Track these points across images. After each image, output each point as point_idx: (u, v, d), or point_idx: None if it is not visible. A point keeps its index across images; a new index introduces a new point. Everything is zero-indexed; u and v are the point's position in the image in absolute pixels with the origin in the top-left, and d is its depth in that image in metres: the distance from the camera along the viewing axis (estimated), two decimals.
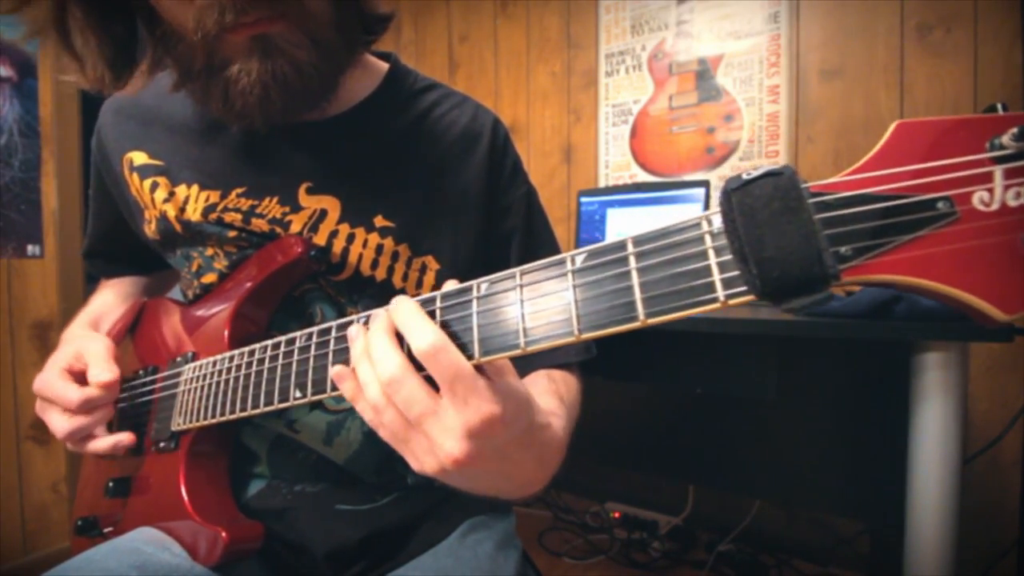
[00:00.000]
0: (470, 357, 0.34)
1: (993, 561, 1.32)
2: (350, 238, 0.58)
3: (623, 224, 1.69)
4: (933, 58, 1.52)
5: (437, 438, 0.34)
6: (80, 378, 0.58)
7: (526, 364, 0.61)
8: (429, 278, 0.60)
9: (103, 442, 0.58)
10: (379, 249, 0.58)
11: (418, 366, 0.35)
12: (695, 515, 1.86)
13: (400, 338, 0.36)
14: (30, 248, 1.68)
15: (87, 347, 0.60)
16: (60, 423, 0.57)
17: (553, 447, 0.42)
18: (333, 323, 0.43)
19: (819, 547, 1.70)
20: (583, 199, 1.77)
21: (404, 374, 0.34)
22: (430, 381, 0.35)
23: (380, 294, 0.59)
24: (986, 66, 1.46)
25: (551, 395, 0.54)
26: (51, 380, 0.57)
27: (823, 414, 1.19)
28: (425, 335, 0.34)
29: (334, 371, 0.39)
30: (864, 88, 1.62)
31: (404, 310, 0.36)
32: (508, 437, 0.35)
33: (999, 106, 0.24)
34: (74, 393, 0.56)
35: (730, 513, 1.81)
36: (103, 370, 0.57)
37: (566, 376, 0.61)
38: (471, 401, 0.33)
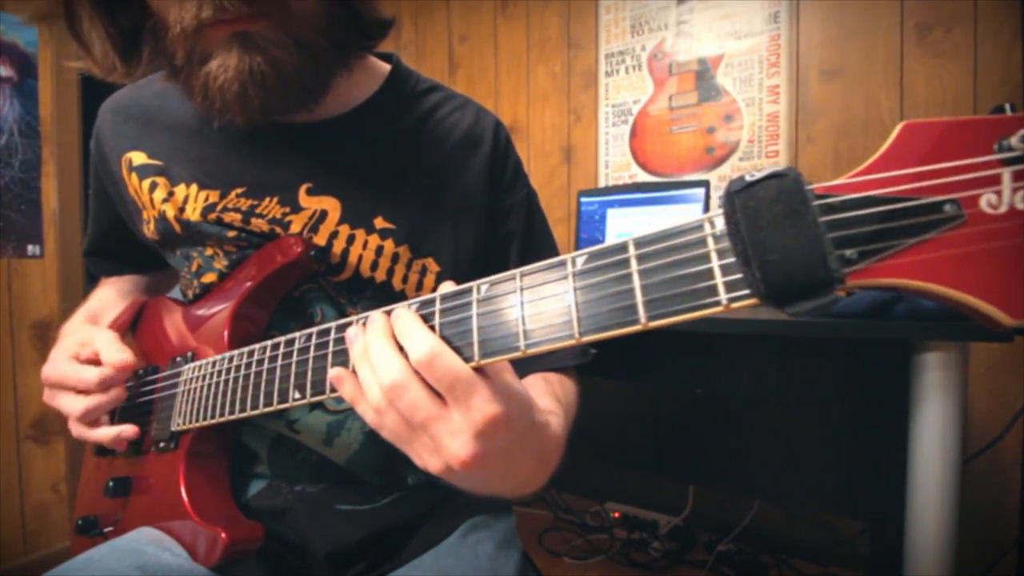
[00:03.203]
0: (469, 359, 0.34)
1: (993, 561, 1.32)
2: (350, 239, 0.58)
3: (623, 224, 1.69)
4: (933, 58, 1.52)
5: (443, 440, 0.34)
6: (89, 364, 0.58)
7: (523, 367, 0.61)
8: (429, 280, 0.60)
9: (107, 431, 0.57)
10: (379, 251, 0.58)
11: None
12: (695, 515, 1.86)
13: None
14: (30, 248, 1.68)
15: (93, 335, 0.60)
16: (76, 403, 0.57)
17: (552, 445, 0.42)
18: (332, 324, 0.43)
19: (819, 547, 1.70)
20: (583, 199, 1.77)
21: (407, 379, 0.34)
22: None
23: (380, 295, 0.59)
24: (986, 66, 1.46)
25: (548, 396, 0.53)
26: (62, 365, 0.57)
27: (823, 414, 1.19)
28: (421, 343, 0.34)
29: (332, 373, 0.39)
30: (864, 88, 1.62)
31: (401, 320, 0.36)
32: (511, 436, 0.35)
33: (1007, 107, 0.24)
34: (91, 373, 0.56)
35: (730, 513, 1.81)
36: (118, 351, 0.57)
37: (562, 379, 0.61)
38: (473, 403, 0.33)
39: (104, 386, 0.56)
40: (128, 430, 0.58)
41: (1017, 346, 1.39)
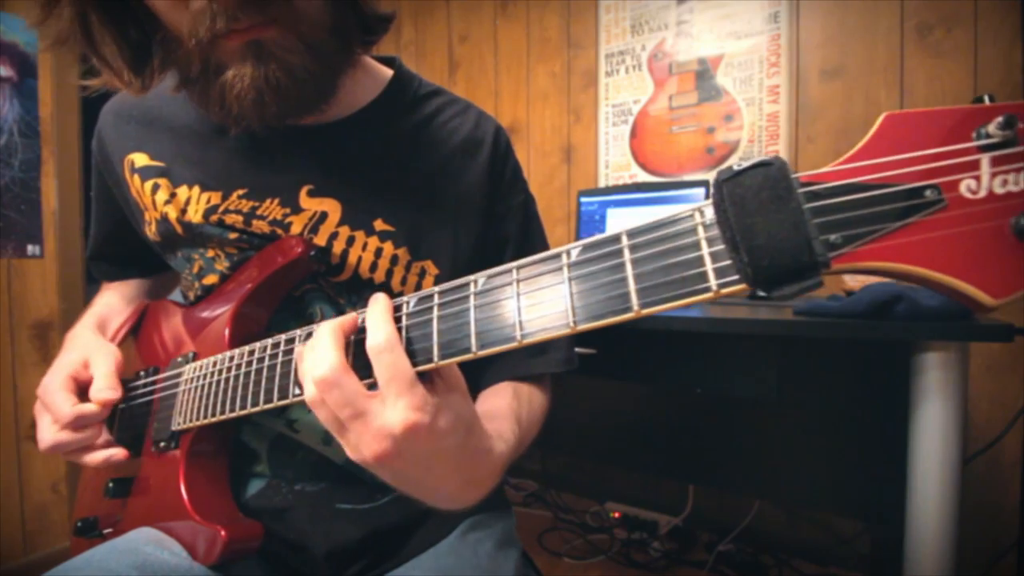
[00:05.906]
0: (467, 350, 0.35)
1: (993, 561, 1.32)
2: (350, 241, 0.58)
3: (623, 224, 1.68)
4: (933, 58, 1.52)
5: (363, 436, 0.36)
6: (84, 387, 0.58)
7: (503, 370, 0.62)
8: (428, 282, 0.61)
9: (97, 456, 0.57)
10: (378, 252, 0.59)
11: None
12: (695, 515, 1.86)
13: (357, 335, 0.39)
14: (30, 248, 1.69)
15: (95, 359, 0.59)
16: (47, 434, 0.56)
17: (486, 472, 0.43)
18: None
19: (819, 547, 1.69)
20: (583, 199, 1.78)
21: (337, 375, 0.36)
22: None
23: None
24: (986, 66, 1.46)
25: (508, 418, 0.54)
26: (52, 388, 0.57)
27: (823, 414, 1.18)
28: (377, 333, 0.36)
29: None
30: (864, 88, 1.62)
31: (373, 308, 0.38)
32: (433, 449, 0.37)
33: (985, 97, 0.25)
34: (67, 408, 0.55)
35: (730, 513, 1.81)
36: (106, 387, 0.56)
37: (534, 393, 0.62)
38: (400, 404, 0.35)
39: (79, 424, 0.56)
40: (118, 454, 0.57)
41: (1017, 346, 1.39)
